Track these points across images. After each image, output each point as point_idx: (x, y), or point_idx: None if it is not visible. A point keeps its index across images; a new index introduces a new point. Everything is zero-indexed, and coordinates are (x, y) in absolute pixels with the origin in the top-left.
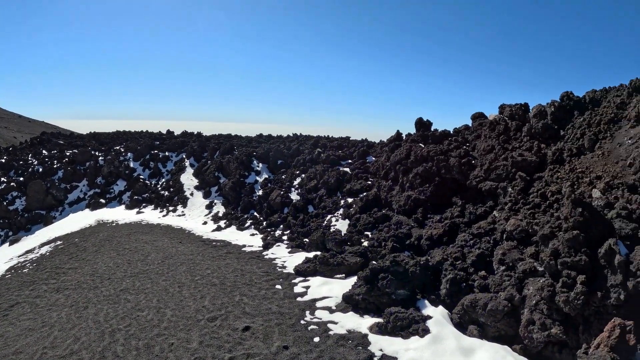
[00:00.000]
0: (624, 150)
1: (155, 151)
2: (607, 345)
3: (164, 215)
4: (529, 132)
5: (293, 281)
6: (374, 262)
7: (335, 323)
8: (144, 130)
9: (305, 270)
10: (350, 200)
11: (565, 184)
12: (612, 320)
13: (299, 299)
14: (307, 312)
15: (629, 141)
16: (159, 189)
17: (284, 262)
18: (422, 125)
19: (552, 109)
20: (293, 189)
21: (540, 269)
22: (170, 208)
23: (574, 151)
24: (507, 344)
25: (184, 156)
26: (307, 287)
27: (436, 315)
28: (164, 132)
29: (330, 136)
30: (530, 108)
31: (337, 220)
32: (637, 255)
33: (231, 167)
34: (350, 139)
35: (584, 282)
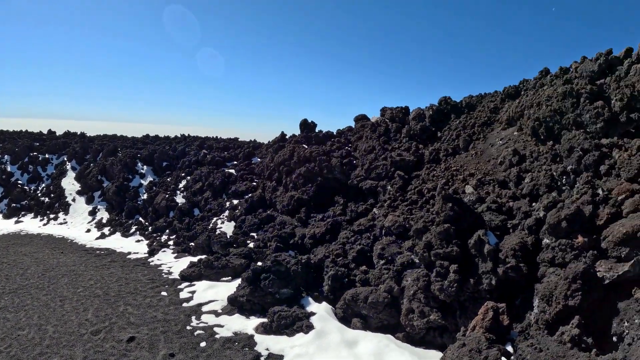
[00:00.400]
0: (495, 150)
1: (35, 153)
2: (482, 326)
3: (44, 224)
4: (408, 134)
5: (179, 287)
6: (259, 262)
7: (222, 326)
8: (23, 130)
9: (190, 275)
10: (235, 201)
11: (440, 181)
12: (485, 303)
13: (184, 304)
14: (193, 318)
15: (500, 142)
16: (39, 195)
17: (170, 267)
18: (307, 126)
19: (431, 112)
20: (178, 192)
21: (417, 260)
22: (52, 216)
23: (449, 151)
24: (390, 333)
25: (66, 158)
26: (193, 292)
27: (320, 311)
28: (45, 131)
29: (218, 137)
30: (411, 111)
31: (222, 223)
32: (506, 244)
33: (115, 170)
34: (239, 139)
35: (456, 271)
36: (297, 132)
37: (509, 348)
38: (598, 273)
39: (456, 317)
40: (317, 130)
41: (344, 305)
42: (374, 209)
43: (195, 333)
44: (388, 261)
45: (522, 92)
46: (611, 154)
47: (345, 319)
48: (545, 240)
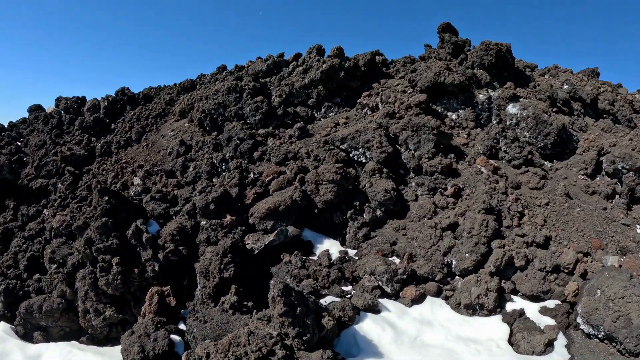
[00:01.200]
0: (166, 141)
1: None
2: (151, 311)
3: None
4: (81, 126)
5: None
6: None
7: None
8: None
9: None
10: None
11: (110, 174)
12: (150, 289)
13: None
14: None
15: (171, 133)
16: None
17: None
18: None
19: (106, 103)
20: None
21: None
22: None
23: (122, 143)
24: (75, 339)
25: None
26: None
27: None
28: None
29: None
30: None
31: None
32: (165, 230)
33: None
34: None
35: (119, 263)
36: None
37: (183, 326)
38: (247, 245)
39: (132, 309)
40: None
41: (21, 320)
42: (45, 210)
43: None
44: (60, 264)
45: (197, 86)
46: (266, 142)
47: (27, 335)
48: (202, 223)
